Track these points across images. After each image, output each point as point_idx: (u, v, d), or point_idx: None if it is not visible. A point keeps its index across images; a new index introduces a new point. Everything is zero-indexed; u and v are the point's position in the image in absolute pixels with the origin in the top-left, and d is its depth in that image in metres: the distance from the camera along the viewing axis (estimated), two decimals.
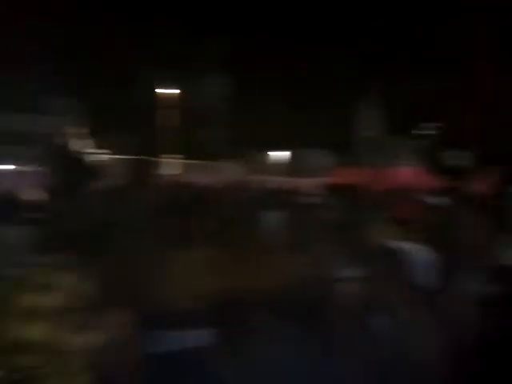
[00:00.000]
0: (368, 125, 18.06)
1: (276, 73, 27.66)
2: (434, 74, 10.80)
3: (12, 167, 15.90)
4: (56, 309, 0.70)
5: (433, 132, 11.46)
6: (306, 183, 13.72)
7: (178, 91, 23.83)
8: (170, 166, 19.65)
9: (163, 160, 19.60)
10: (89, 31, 25.85)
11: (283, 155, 31.80)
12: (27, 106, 22.81)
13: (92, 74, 25.89)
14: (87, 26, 26.02)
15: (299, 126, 28.30)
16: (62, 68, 23.29)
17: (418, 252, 2.62)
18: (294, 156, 30.18)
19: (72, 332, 0.73)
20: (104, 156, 16.11)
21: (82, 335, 0.75)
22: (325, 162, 25.42)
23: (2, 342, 0.68)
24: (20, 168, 15.33)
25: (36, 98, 23.84)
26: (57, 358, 0.70)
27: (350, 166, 21.81)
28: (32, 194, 4.86)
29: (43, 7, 23.05)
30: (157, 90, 23.30)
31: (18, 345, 0.67)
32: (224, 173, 17.11)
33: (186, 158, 21.68)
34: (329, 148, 26.09)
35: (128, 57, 22.31)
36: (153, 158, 11.60)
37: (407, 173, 13.91)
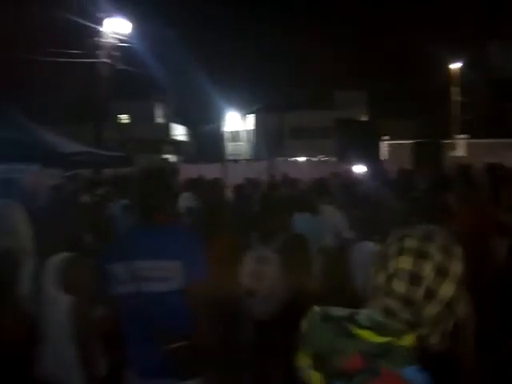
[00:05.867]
0: None
1: None
2: None
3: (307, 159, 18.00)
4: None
5: None
6: None
7: (459, 65, 21.68)
8: (459, 147, 18.15)
9: (451, 141, 18.26)
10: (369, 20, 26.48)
11: None
12: (318, 103, 25.39)
13: (375, 63, 26.56)
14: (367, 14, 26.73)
15: None
16: (348, 63, 24.93)
17: None
18: None
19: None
20: (387, 141, 16.40)
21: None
22: None
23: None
24: (316, 159, 17.36)
25: (324, 96, 26.19)
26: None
27: None
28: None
29: None
30: (445, 67, 21.88)
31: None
32: None
33: (474, 138, 19.49)
34: None
35: (409, 40, 21.68)
36: (440, 140, 11.00)
37: None
